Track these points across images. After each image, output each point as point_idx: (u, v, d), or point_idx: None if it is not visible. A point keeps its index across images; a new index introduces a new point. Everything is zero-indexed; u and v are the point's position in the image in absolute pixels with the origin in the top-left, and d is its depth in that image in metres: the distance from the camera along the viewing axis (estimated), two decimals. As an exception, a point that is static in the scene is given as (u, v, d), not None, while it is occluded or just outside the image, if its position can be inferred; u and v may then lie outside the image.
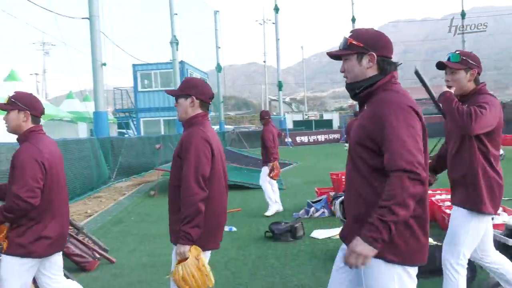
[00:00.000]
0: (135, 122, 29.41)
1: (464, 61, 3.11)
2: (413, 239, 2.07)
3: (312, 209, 7.77)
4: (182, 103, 2.99)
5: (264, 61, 58.87)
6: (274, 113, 41.09)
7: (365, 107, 2.19)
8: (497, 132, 3.04)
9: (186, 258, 2.67)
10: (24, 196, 2.86)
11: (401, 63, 2.25)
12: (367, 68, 2.15)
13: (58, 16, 13.15)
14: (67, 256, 5.25)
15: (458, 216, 3.13)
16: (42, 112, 3.20)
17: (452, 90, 3.10)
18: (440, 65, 3.20)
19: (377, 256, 2.01)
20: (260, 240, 6.38)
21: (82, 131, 24.14)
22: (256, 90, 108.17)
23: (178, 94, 3.01)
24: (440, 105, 3.07)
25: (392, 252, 2.05)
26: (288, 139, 30.21)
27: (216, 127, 37.33)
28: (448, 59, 3.17)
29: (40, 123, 3.21)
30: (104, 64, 14.32)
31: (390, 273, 2.07)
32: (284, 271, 4.98)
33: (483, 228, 3.13)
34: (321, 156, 21.82)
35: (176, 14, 23.96)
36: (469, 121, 2.85)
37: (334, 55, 2.24)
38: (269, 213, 8.03)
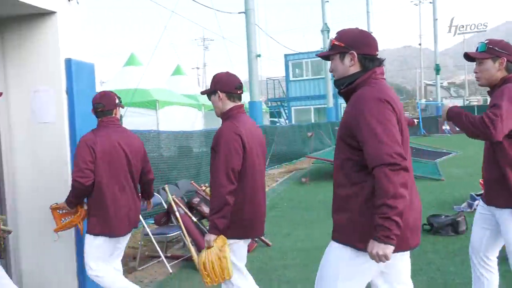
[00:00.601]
0: (286, 111, 30.21)
1: (491, 50, 2.94)
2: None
3: (476, 202, 7.11)
4: (212, 100, 3.10)
5: (420, 44, 55.38)
6: (430, 99, 38.49)
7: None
8: None
9: (211, 246, 2.85)
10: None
11: (384, 59, 2.33)
12: (349, 66, 2.26)
13: (218, 12, 14.06)
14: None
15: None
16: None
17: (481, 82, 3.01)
18: (467, 57, 3.05)
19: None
20: (417, 232, 6.04)
21: (238, 120, 25.56)
22: (410, 75, 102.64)
23: (207, 92, 3.12)
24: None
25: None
26: (446, 127, 28.05)
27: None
28: (477, 49, 3.02)
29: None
30: (259, 56, 14.94)
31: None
32: (445, 268, 4.66)
33: None
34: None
35: (328, 1, 23.85)
36: (487, 130, 2.71)
37: (321, 56, 2.39)
38: None
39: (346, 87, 2.28)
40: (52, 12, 3.88)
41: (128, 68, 16.93)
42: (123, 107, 3.84)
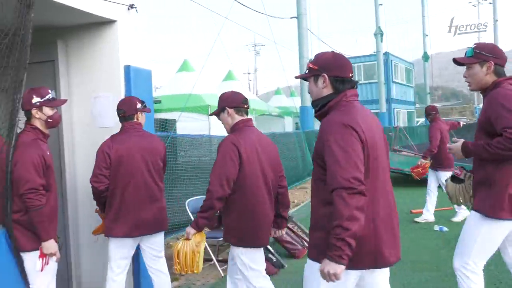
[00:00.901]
0: (337, 116, 29.76)
1: (478, 54, 2.96)
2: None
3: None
4: (222, 118, 3.39)
5: (478, 46, 53.07)
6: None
7: None
8: None
9: (189, 239, 3.13)
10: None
11: (357, 81, 2.46)
12: (322, 88, 2.35)
13: (270, 17, 14.13)
14: (279, 242, 5.63)
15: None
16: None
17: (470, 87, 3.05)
18: (456, 62, 3.07)
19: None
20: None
21: (288, 125, 25.57)
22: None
23: (216, 113, 3.42)
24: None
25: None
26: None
27: (422, 120, 35.34)
28: (465, 54, 3.04)
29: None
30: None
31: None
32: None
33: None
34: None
35: (381, 4, 23.41)
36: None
37: (301, 78, 2.53)
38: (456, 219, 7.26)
39: (319, 109, 2.38)
40: (113, 21, 4.05)
41: (181, 74, 17.33)
42: (148, 111, 3.91)
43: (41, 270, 3.00)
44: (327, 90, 2.35)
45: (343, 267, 2.08)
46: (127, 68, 4.08)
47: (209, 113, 3.67)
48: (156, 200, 3.69)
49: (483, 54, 2.93)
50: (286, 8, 16.40)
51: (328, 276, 2.10)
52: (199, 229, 3.18)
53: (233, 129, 3.31)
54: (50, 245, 3.01)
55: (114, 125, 4.06)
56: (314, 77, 2.38)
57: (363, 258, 2.21)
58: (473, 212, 2.98)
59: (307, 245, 5.74)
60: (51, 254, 3.03)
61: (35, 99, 3.14)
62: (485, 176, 2.90)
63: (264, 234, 3.31)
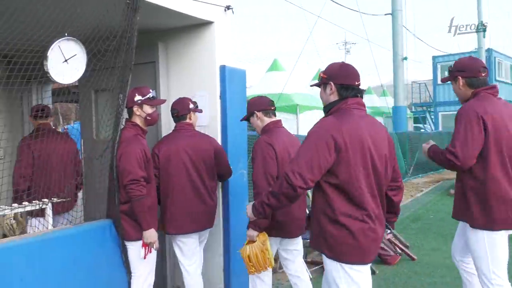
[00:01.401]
0: (432, 117, 28.40)
1: (450, 72, 3.19)
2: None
3: None
4: (252, 122, 3.58)
5: None
6: None
7: None
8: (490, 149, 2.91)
9: (254, 241, 3.21)
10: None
11: (364, 90, 2.67)
12: (329, 94, 2.57)
13: (363, 15, 13.80)
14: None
15: None
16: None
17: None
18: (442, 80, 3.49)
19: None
20: None
21: (379, 125, 24.82)
22: None
23: (246, 118, 3.61)
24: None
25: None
26: None
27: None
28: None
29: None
30: (405, 59, 14.30)
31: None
32: None
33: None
34: None
35: (484, -3, 21.91)
36: (453, 164, 2.95)
37: (315, 86, 2.70)
38: None
39: (326, 114, 2.60)
40: (210, 22, 4.18)
41: (271, 74, 17.51)
42: (200, 111, 3.97)
43: (144, 258, 3.20)
44: (334, 97, 2.56)
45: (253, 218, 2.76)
46: (223, 68, 4.19)
47: (244, 119, 3.71)
48: (204, 198, 3.75)
49: (453, 72, 3.17)
50: (379, 5, 15.92)
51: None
52: (260, 230, 3.23)
53: (264, 130, 3.49)
54: (150, 234, 3.18)
55: (208, 123, 4.20)
56: (323, 85, 2.61)
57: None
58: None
59: (400, 251, 5.52)
60: (151, 243, 3.20)
61: (137, 97, 3.34)
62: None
63: (293, 227, 3.51)
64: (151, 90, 3.45)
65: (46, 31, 2.93)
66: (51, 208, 3.43)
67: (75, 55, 3.12)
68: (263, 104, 3.54)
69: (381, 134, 2.52)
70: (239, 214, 4.06)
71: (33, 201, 3.36)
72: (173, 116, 3.89)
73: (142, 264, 3.25)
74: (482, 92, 3.03)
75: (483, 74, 3.06)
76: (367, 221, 2.38)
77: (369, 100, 27.89)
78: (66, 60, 3.08)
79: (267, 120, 3.52)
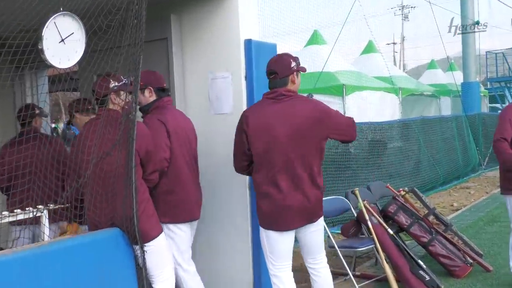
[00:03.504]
0: (513, 94, 27.66)
1: None
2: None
3: None
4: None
5: None
6: None
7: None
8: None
9: None
10: None
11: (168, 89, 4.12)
12: (149, 97, 3.91)
13: (421, -29, 13.55)
14: (434, 256, 5.43)
15: None
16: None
17: None
18: None
19: None
20: None
21: (446, 107, 24.41)
22: None
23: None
24: None
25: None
26: None
27: None
28: None
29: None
30: (477, 23, 13.97)
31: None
32: None
33: None
34: None
35: None
36: None
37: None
38: None
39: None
40: (233, -12, 4.20)
41: (310, 48, 17.39)
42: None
43: None
44: (153, 98, 3.89)
45: None
46: (248, 43, 4.21)
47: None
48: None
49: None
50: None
51: None
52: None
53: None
54: None
55: (232, 110, 4.23)
56: (141, 90, 3.69)
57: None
58: None
59: (470, 261, 5.45)
60: None
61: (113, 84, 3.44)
62: None
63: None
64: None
65: (38, 5, 3.01)
66: (47, 216, 3.54)
67: (73, 33, 3.19)
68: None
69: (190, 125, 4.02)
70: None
71: (27, 208, 3.45)
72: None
73: (167, 260, 3.52)
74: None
75: None
76: None
77: (432, 77, 27.43)
78: (62, 40, 3.15)
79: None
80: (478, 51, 15.90)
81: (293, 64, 3.66)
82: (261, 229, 3.69)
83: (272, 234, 3.62)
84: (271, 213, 3.57)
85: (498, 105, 27.35)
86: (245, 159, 3.69)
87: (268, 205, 3.57)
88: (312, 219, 3.66)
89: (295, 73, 3.67)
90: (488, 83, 30.66)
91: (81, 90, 5.04)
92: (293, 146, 3.53)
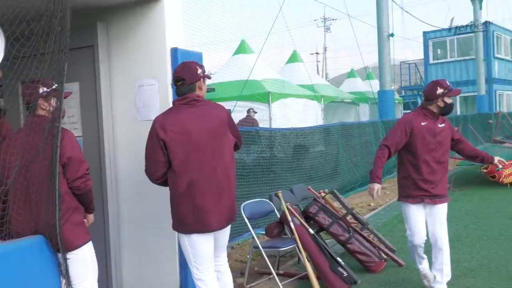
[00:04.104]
0: (424, 101, 28.91)
1: None
2: None
3: None
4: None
5: None
6: None
7: None
8: None
9: None
10: None
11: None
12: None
13: (341, -14, 13.94)
14: (351, 253, 5.58)
15: None
16: None
17: None
18: None
19: None
20: None
21: (364, 113, 25.18)
22: None
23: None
24: None
25: None
26: None
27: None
28: None
29: None
30: (391, 35, 14.49)
31: None
32: None
33: None
34: None
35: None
36: None
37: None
38: None
39: None
40: (158, -1, 4.16)
41: (238, 57, 17.46)
42: None
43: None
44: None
45: None
46: (175, 52, 4.19)
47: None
48: None
49: None
50: (360, -26, 16.08)
51: None
52: None
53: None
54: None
55: (159, 117, 4.18)
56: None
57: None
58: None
59: (385, 257, 5.64)
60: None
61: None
62: None
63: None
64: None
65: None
66: None
67: (-10, 39, 3.06)
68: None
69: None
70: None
71: None
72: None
73: (90, 269, 3.37)
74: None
75: None
76: None
77: (352, 84, 28.26)
78: (-21, 46, 3.02)
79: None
80: (393, 61, 16.49)
81: (200, 71, 3.67)
82: (182, 235, 3.64)
83: (195, 237, 3.59)
84: (193, 216, 3.54)
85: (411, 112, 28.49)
86: (161, 166, 3.56)
87: (188, 208, 3.53)
88: (230, 221, 3.74)
89: (201, 79, 3.67)
90: (402, 91, 31.99)
91: (4, 97, 4.81)
92: (212, 150, 3.56)
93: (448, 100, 4.56)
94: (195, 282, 3.67)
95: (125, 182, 4.43)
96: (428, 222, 4.70)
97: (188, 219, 3.54)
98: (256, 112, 14.53)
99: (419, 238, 4.66)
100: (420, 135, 4.56)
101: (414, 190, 4.64)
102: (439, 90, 4.53)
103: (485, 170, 9.76)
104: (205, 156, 3.53)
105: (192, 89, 3.61)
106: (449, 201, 4.84)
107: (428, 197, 4.63)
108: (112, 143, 4.46)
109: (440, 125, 4.63)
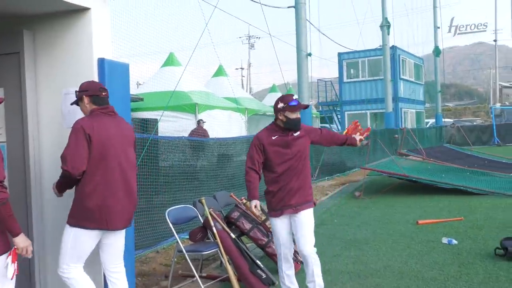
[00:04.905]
0: (339, 116, 29.92)
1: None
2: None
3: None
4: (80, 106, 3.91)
5: (495, 40, 53.54)
6: (506, 103, 37.09)
7: None
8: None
9: None
10: None
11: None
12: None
13: (264, 7, 14.16)
14: (269, 256, 5.63)
15: None
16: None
17: None
18: None
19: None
20: (488, 257, 5.83)
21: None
22: (482, 76, 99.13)
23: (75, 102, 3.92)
24: None
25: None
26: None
27: (432, 121, 35.47)
28: None
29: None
30: (309, 55, 14.87)
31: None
32: (521, 301, 4.45)
33: None
34: None
35: (387, -7, 23.51)
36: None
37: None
38: None
39: None
40: (86, 9, 4.04)
41: (166, 69, 17.29)
42: None
43: (12, 278, 3.01)
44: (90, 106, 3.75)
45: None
46: (101, 62, 4.08)
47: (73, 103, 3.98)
48: None
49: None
50: (283, -3, 16.43)
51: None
52: None
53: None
54: (23, 239, 3.08)
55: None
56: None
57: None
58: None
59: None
60: (26, 248, 3.09)
61: None
62: None
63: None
64: None
65: None
66: None
67: None
68: (93, 90, 3.77)
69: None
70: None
71: None
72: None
73: (6, 284, 3.05)
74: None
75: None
76: None
77: (274, 99, 28.65)
78: None
79: (94, 106, 3.77)
80: (310, 78, 16.94)
81: None
82: (72, 228, 3.65)
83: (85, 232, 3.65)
84: (99, 214, 3.61)
85: (327, 125, 29.40)
86: (86, 162, 3.59)
87: (97, 205, 3.60)
88: (128, 224, 3.84)
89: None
90: (320, 106, 32.92)
91: None
92: (126, 156, 3.80)
93: (291, 115, 4.31)
94: (66, 282, 3.71)
95: (50, 186, 4.24)
96: (294, 232, 4.52)
97: (94, 215, 3.59)
98: (205, 122, 14.69)
99: (286, 249, 4.62)
100: (272, 148, 4.40)
101: (276, 203, 4.48)
102: (280, 105, 4.36)
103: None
104: (118, 160, 3.72)
105: (108, 101, 3.85)
106: (314, 207, 4.61)
107: (289, 207, 4.43)
108: (38, 149, 4.26)
109: (294, 134, 4.42)
